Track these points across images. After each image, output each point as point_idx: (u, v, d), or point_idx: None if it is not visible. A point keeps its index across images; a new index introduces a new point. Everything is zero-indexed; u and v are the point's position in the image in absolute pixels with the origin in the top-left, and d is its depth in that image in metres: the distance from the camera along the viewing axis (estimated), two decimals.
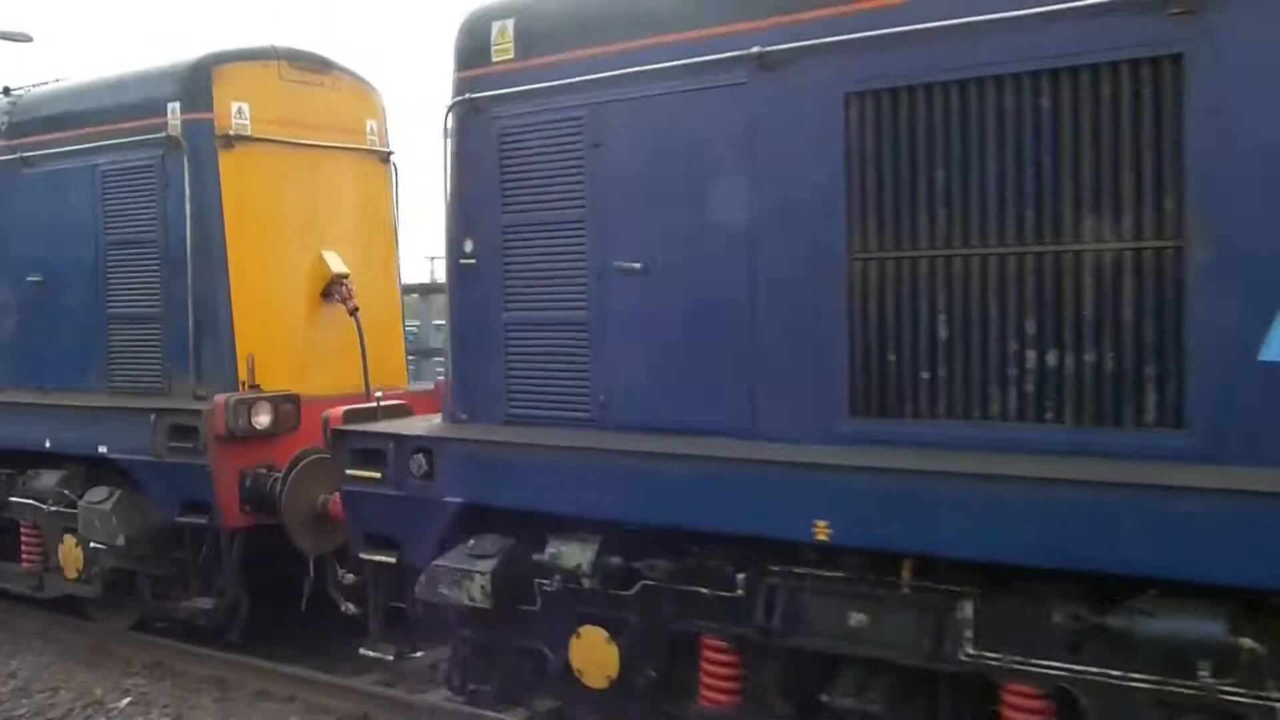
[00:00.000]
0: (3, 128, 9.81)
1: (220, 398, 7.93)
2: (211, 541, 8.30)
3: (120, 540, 8.27)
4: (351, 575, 7.66)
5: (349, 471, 7.03)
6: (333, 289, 8.83)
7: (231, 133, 8.48)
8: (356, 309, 8.81)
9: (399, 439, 6.83)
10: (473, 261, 6.84)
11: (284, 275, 8.74)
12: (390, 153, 9.57)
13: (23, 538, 9.49)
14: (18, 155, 9.50)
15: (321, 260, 8.89)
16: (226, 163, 8.47)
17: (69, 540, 8.88)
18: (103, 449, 8.52)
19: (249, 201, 8.59)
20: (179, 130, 8.45)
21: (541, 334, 6.53)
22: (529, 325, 6.58)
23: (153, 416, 8.18)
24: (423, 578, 6.50)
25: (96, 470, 8.84)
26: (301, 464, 7.88)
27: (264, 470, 8.08)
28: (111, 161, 8.89)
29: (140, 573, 8.66)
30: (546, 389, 6.50)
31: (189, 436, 8.04)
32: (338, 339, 8.93)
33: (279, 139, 8.77)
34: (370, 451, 6.98)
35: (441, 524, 6.68)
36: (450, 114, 6.93)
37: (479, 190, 6.81)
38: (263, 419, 8.04)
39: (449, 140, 7.01)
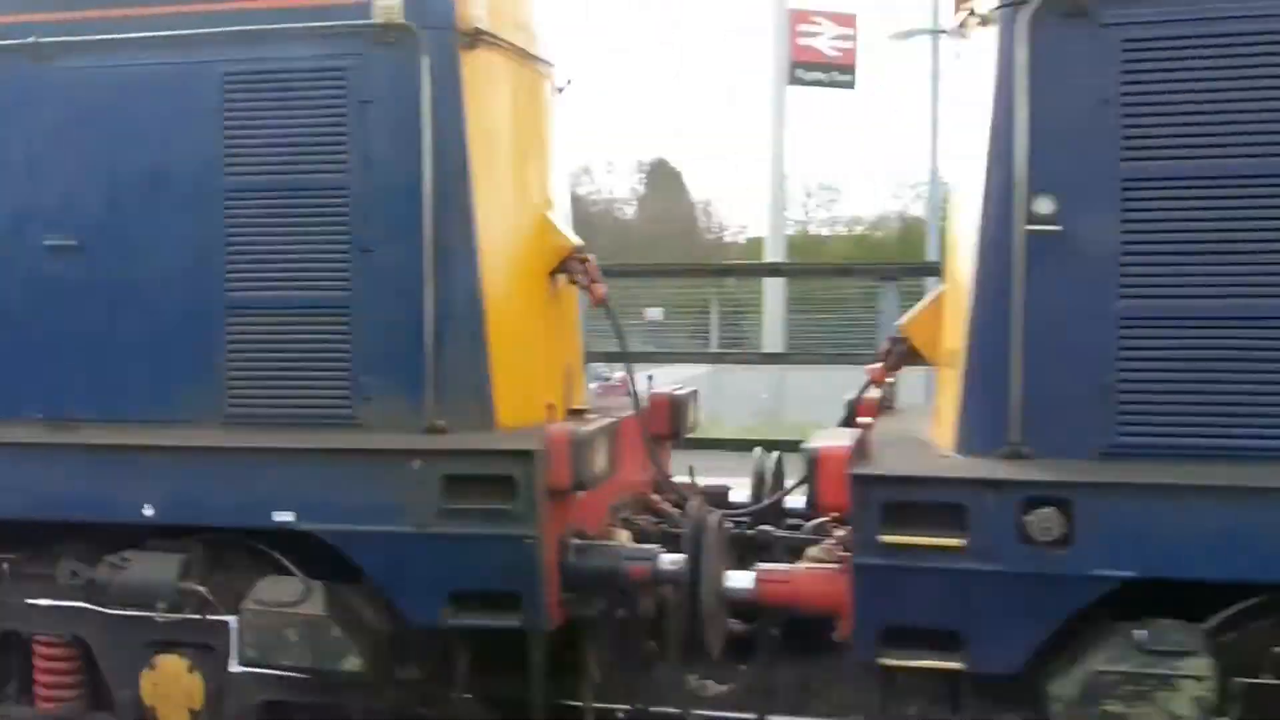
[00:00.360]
0: None
1: (558, 430, 5.09)
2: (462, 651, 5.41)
3: (353, 662, 5.13)
4: None
5: (887, 539, 4.64)
6: (570, 267, 6.13)
7: (478, 27, 5.56)
8: (605, 297, 6.18)
9: (998, 486, 4.58)
10: (1055, 228, 4.75)
11: (519, 246, 5.93)
12: (566, 82, 6.86)
13: (41, 662, 5.83)
14: (29, 40, 5.76)
15: (548, 226, 6.16)
16: (471, 72, 5.54)
17: (170, 664, 5.50)
18: (285, 517, 5.25)
19: (493, 136, 5.71)
20: (399, 12, 5.40)
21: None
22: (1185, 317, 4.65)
23: (416, 463, 5.11)
24: None
25: (213, 550, 5.56)
26: (710, 528, 5.23)
27: (579, 538, 5.33)
28: (249, 60, 5.57)
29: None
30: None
31: (482, 493, 5.09)
32: (552, 334, 6.26)
33: (517, 44, 5.93)
34: (922, 507, 4.66)
35: (1069, 608, 4.55)
36: (999, 16, 4.83)
37: (1067, 126, 4.76)
38: (600, 461, 5.32)
39: (994, 54, 4.89)
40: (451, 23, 5.45)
